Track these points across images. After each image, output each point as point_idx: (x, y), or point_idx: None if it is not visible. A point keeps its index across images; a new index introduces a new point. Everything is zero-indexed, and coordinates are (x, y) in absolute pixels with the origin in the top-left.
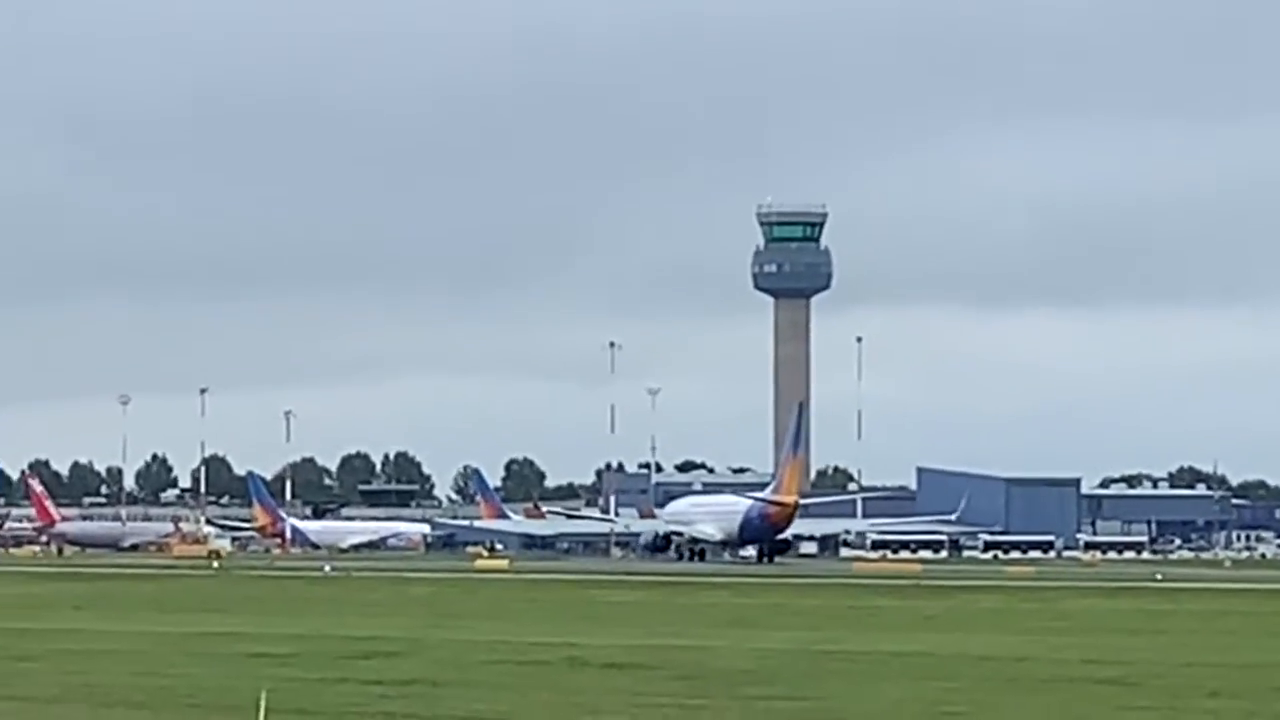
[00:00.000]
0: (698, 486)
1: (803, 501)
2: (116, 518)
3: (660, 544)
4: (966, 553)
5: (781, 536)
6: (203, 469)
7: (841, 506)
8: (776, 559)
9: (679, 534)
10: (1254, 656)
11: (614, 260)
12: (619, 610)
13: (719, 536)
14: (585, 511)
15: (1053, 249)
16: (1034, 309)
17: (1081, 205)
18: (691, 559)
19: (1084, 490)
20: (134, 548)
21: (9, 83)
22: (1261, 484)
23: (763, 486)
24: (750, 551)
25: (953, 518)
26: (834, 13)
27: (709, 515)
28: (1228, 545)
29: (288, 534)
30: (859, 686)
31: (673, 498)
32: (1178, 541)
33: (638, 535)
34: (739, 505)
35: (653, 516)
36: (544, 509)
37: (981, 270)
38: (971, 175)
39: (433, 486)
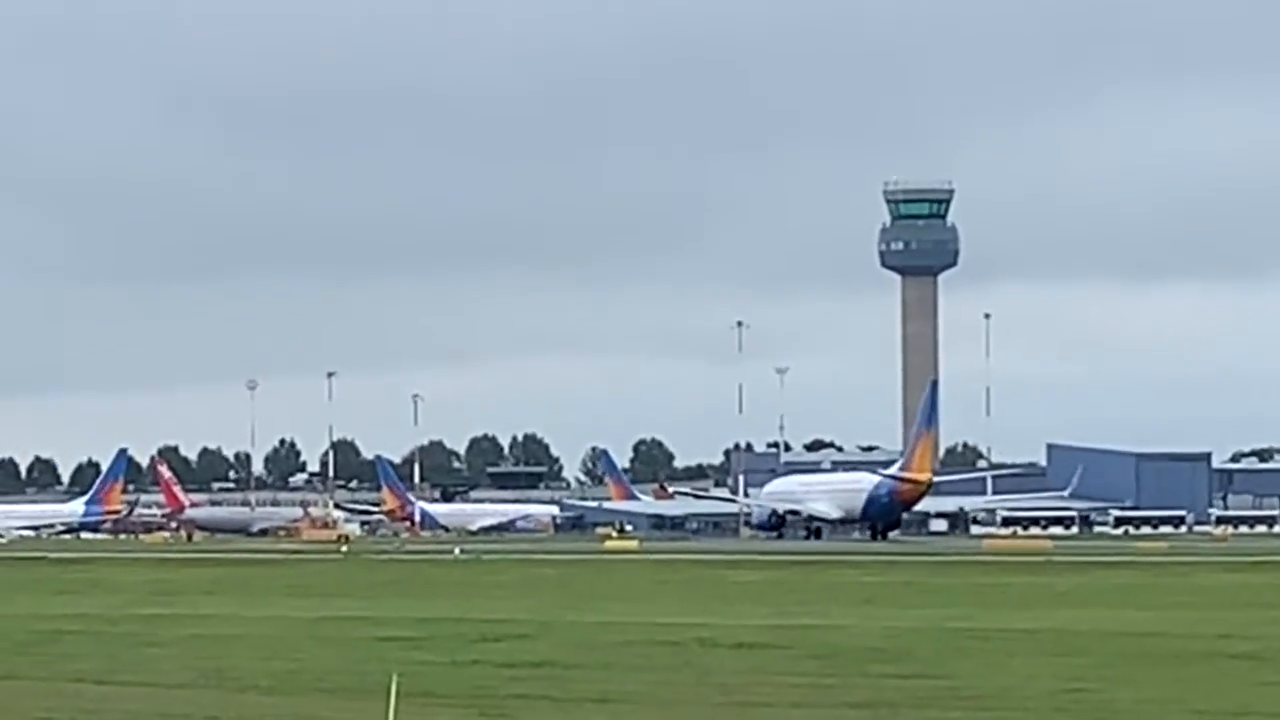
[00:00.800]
0: (827, 465)
1: (936, 479)
2: (245, 503)
3: (775, 522)
4: (1098, 528)
5: (893, 515)
6: (331, 453)
7: (971, 484)
8: (890, 535)
9: (795, 512)
10: None
11: (740, 239)
12: (748, 590)
13: (836, 514)
14: (714, 492)
15: (1180, 222)
16: (1162, 284)
17: (1211, 175)
18: (808, 538)
19: (1215, 464)
20: (263, 533)
21: (137, 61)
22: None
23: (891, 464)
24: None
25: (1066, 493)
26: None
27: (825, 493)
28: None
29: (417, 517)
30: (990, 663)
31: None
32: None
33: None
34: (862, 482)
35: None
36: (672, 489)
37: (1106, 245)
38: (1100, 148)
39: (561, 468)
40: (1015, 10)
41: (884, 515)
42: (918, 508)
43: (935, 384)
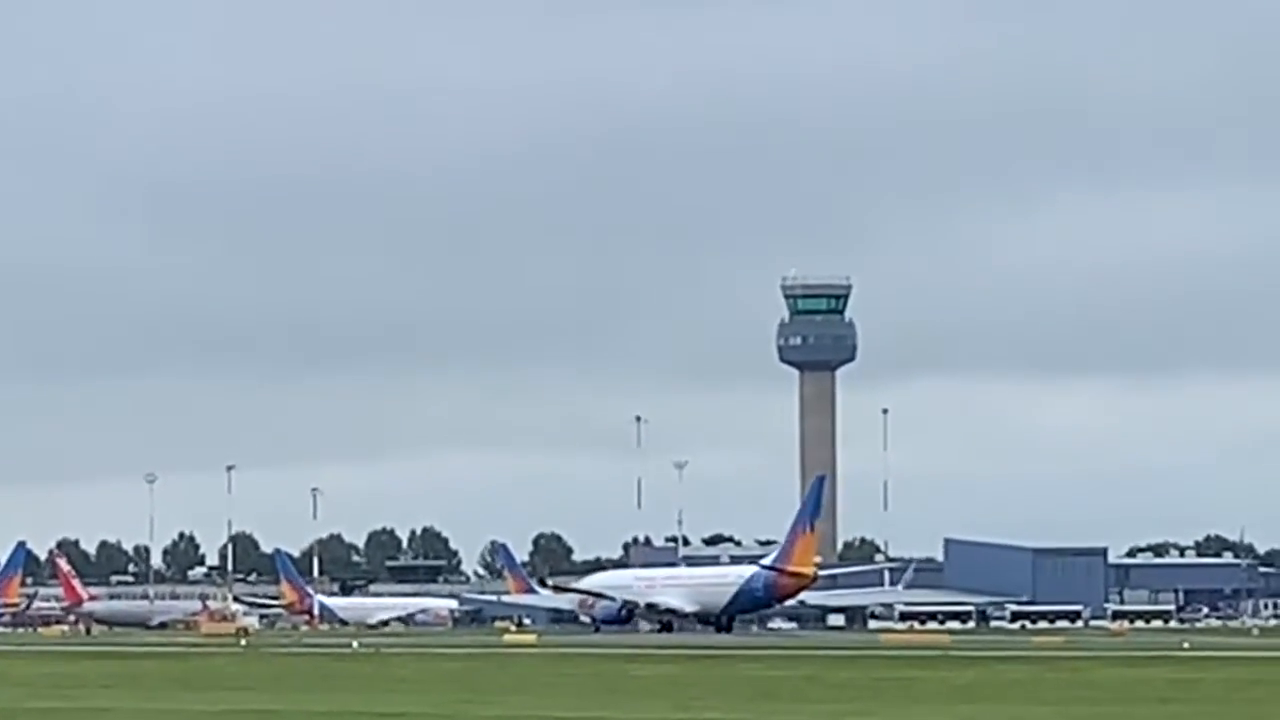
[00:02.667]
0: (725, 559)
1: (833, 573)
2: (144, 596)
3: (624, 616)
4: (995, 623)
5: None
6: (230, 546)
7: (868, 578)
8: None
9: (652, 605)
10: None
11: (640, 333)
12: (649, 684)
13: (692, 609)
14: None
15: (1077, 320)
16: (1061, 380)
17: (1107, 274)
18: (660, 631)
19: (1111, 559)
20: (162, 626)
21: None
22: None
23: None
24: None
25: (900, 587)
26: (857, 84)
27: (680, 587)
28: (1255, 613)
29: (316, 610)
30: None
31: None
32: (1205, 610)
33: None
34: (728, 576)
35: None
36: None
37: (1004, 343)
38: (1000, 246)
39: (460, 562)
40: (917, 107)
41: (756, 608)
42: (815, 602)
43: (821, 479)
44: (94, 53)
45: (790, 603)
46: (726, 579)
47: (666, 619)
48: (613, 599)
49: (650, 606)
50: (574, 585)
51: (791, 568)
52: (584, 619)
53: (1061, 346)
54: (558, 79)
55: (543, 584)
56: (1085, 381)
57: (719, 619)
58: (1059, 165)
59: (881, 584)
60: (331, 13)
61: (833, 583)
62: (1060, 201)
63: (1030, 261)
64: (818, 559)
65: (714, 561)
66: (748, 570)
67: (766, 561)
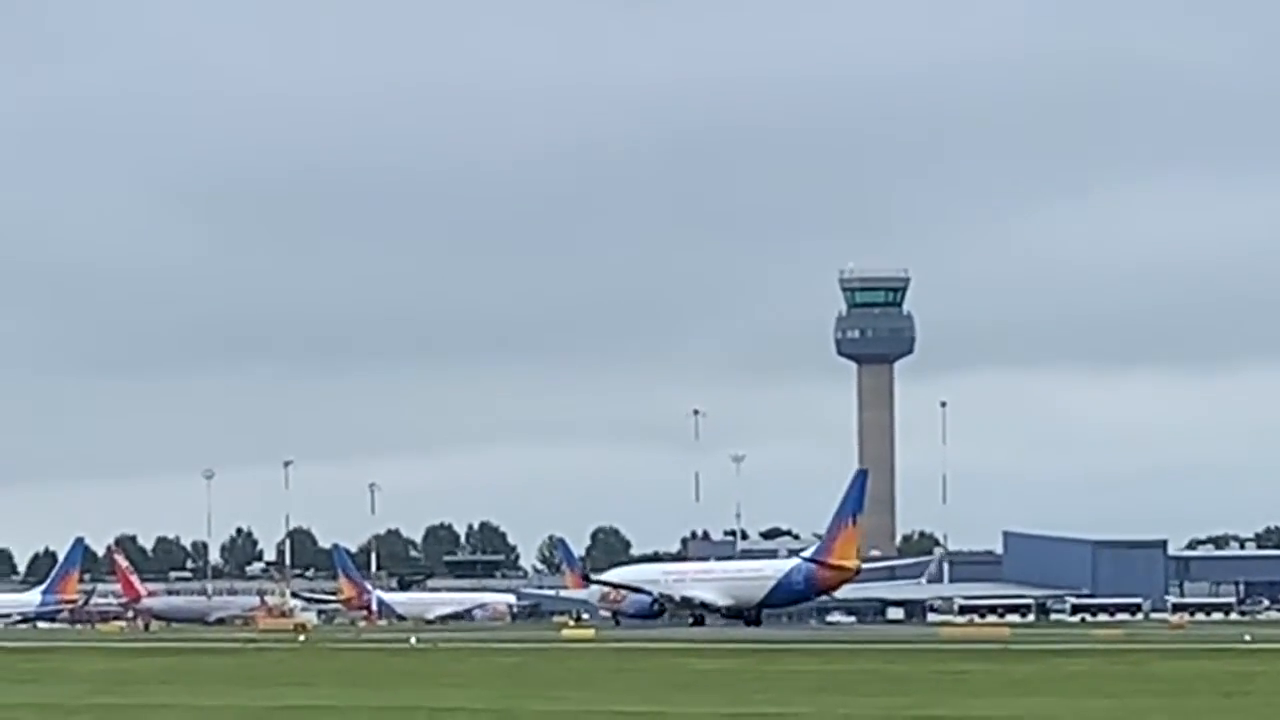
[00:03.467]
0: (783, 553)
1: (891, 565)
2: (202, 592)
3: (655, 611)
4: (1054, 616)
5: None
6: (288, 542)
7: (910, 571)
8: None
9: (688, 599)
10: None
11: (698, 327)
12: (705, 678)
13: (725, 602)
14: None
15: (1140, 312)
16: (1121, 372)
17: (1167, 266)
18: (693, 625)
19: (1171, 552)
20: (220, 622)
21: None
22: None
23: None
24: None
25: (923, 580)
26: (913, 79)
27: (712, 581)
28: None
29: (374, 606)
30: None
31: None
32: (1266, 602)
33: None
34: (765, 570)
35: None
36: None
37: (1064, 334)
38: (1061, 237)
39: (518, 557)
40: (977, 98)
41: (795, 602)
42: (874, 595)
43: (863, 473)
44: (152, 54)
45: (851, 597)
46: (763, 572)
47: (699, 613)
48: (649, 593)
49: (684, 600)
50: (604, 579)
51: (833, 561)
52: (604, 613)
53: (1121, 338)
54: (619, 76)
55: (586, 579)
56: (1145, 373)
57: (747, 613)
58: (1115, 157)
59: (941, 578)
60: (387, 9)
61: (891, 575)
62: (1117, 193)
63: (1088, 253)
64: (876, 551)
65: (772, 555)
66: (786, 564)
67: (811, 555)
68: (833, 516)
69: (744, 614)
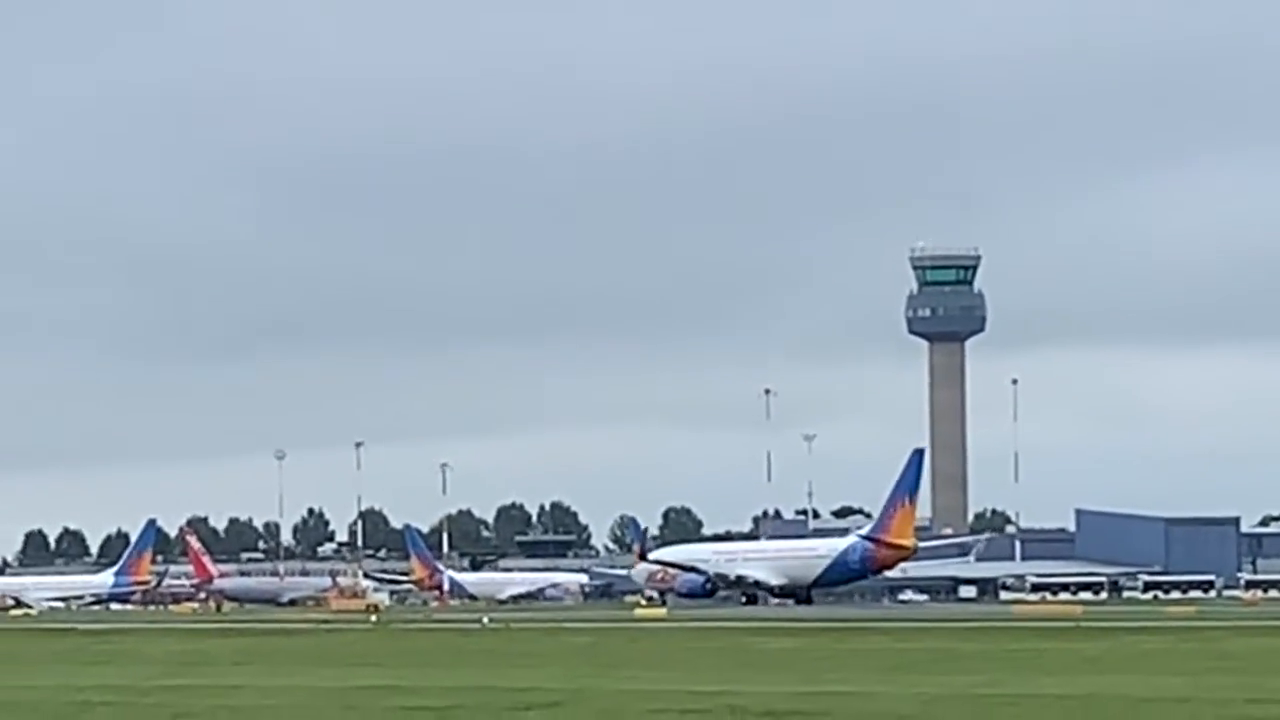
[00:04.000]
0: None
1: (961, 542)
2: (274, 573)
3: (708, 590)
4: (1126, 594)
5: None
6: (359, 523)
7: (1000, 549)
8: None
9: (741, 578)
10: None
11: (768, 306)
12: (779, 657)
13: (779, 581)
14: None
15: (1211, 289)
16: (1193, 350)
17: (1244, 243)
18: (746, 604)
19: (1244, 529)
20: (292, 602)
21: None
22: None
23: (921, 530)
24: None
25: (971, 558)
26: (984, 56)
27: (765, 561)
28: None
29: (445, 586)
30: None
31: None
32: None
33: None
34: (819, 549)
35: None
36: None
37: (1136, 311)
38: (1132, 213)
39: (589, 536)
40: (1047, 77)
41: (851, 580)
42: (946, 573)
43: (920, 452)
44: (234, 35)
45: (923, 575)
46: (817, 551)
47: (752, 592)
48: (703, 572)
49: (738, 579)
50: (660, 558)
51: (890, 539)
52: (649, 594)
53: (1193, 315)
54: (688, 59)
55: (644, 557)
56: (1218, 350)
57: (799, 592)
58: (1186, 135)
59: (1011, 555)
60: None
61: (961, 553)
62: (1189, 172)
63: (1160, 231)
64: (948, 530)
65: (844, 534)
66: (841, 543)
67: (868, 533)
68: (889, 495)
69: (795, 593)
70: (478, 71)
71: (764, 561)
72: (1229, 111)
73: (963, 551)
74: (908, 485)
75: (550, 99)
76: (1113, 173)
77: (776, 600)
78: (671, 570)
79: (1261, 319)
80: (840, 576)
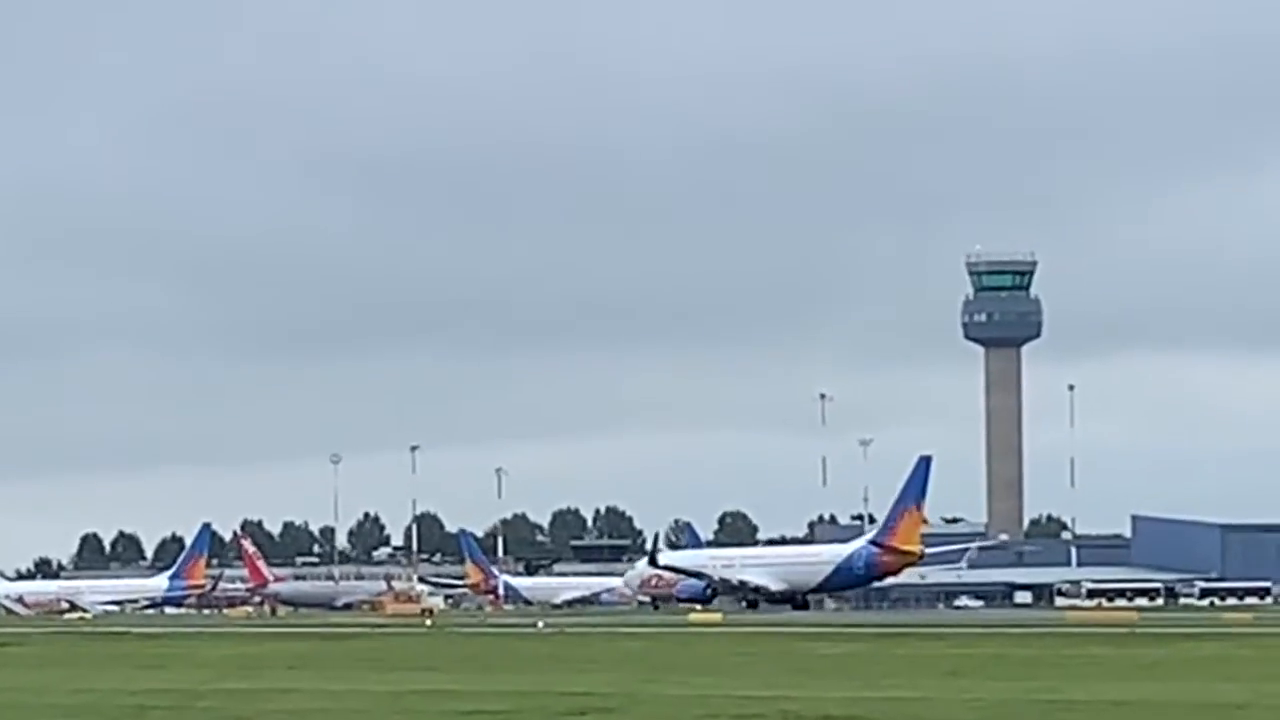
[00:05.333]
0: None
1: (1020, 549)
2: (329, 577)
3: (709, 595)
4: (1183, 600)
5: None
6: (414, 527)
7: (1055, 555)
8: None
9: (742, 582)
10: None
11: (826, 312)
12: (833, 662)
13: (780, 587)
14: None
15: (1255, 295)
16: (1244, 354)
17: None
18: (747, 609)
19: None
20: (347, 607)
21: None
22: None
23: (974, 537)
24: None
25: (963, 565)
26: (1041, 60)
27: (761, 565)
28: None
29: (500, 591)
30: None
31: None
32: None
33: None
34: (822, 554)
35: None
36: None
37: (1191, 316)
38: (1186, 219)
39: (644, 541)
40: (1104, 83)
41: (856, 585)
42: (1001, 578)
43: (926, 459)
44: (297, 32)
45: (980, 581)
46: (820, 557)
47: (753, 597)
48: (705, 577)
49: (741, 584)
50: (662, 564)
51: (896, 544)
52: (642, 599)
53: (1249, 321)
54: (745, 65)
55: (653, 562)
56: (1269, 356)
57: (798, 598)
58: (1246, 139)
59: (1068, 561)
60: None
61: (1019, 559)
62: (1244, 178)
63: (1212, 237)
64: (1004, 536)
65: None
66: (845, 548)
67: (873, 537)
68: (895, 501)
69: (793, 599)
70: (544, 71)
71: (765, 567)
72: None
73: (954, 560)
74: (915, 491)
75: (613, 102)
76: (1170, 177)
77: (774, 606)
78: (668, 576)
79: None
80: (845, 582)
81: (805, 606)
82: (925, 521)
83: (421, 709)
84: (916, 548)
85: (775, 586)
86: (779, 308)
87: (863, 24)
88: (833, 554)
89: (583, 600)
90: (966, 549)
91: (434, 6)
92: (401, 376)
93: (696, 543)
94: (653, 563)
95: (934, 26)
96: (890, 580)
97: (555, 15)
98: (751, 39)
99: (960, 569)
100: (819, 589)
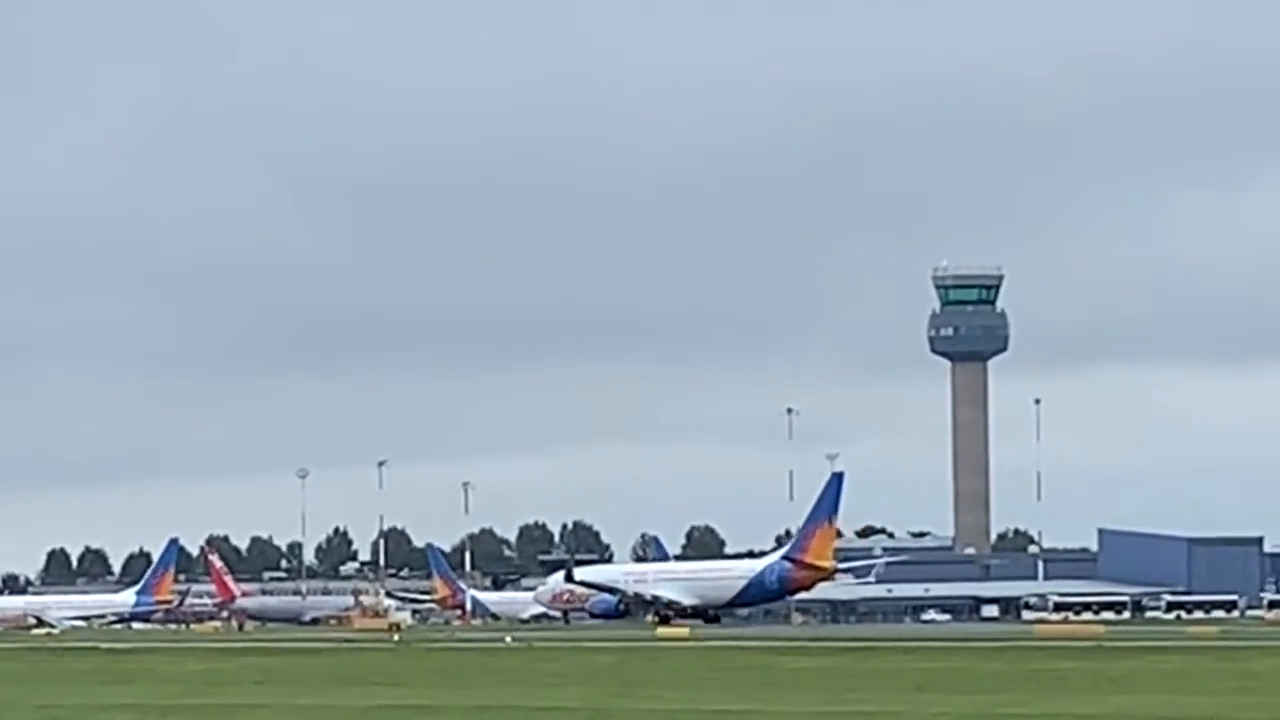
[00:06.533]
0: (878, 551)
1: (986, 564)
2: (296, 592)
3: (621, 611)
4: (1149, 613)
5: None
6: (382, 542)
7: (1022, 568)
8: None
9: (655, 597)
10: None
11: (792, 326)
12: (801, 677)
13: (692, 601)
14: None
15: (1220, 309)
16: (1209, 369)
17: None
18: (661, 624)
19: (1267, 548)
20: (314, 621)
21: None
22: None
23: (944, 550)
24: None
25: (872, 579)
26: (1007, 72)
27: (678, 581)
28: None
29: (468, 605)
30: None
31: (851, 563)
32: None
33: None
34: (734, 570)
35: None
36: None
37: (1157, 330)
38: (1152, 234)
39: (612, 555)
40: (1070, 97)
41: (768, 600)
42: (968, 592)
43: (839, 476)
44: (274, 48)
45: (948, 595)
46: (732, 572)
47: (666, 613)
48: (623, 591)
49: (654, 599)
50: (576, 579)
51: (809, 559)
52: (553, 612)
53: (1215, 335)
54: (714, 79)
55: (569, 577)
56: (1240, 369)
57: (710, 612)
58: (1213, 155)
59: (1034, 575)
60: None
61: (986, 574)
62: (1207, 192)
63: (1178, 250)
64: (970, 550)
65: (867, 553)
66: (758, 564)
67: (786, 553)
68: (807, 516)
69: (705, 613)
70: (506, 87)
71: (677, 582)
72: (1259, 129)
73: (861, 574)
74: (827, 507)
75: (577, 118)
76: (1136, 192)
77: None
78: (579, 591)
79: (1276, 339)
80: (758, 596)
81: (717, 621)
82: (839, 535)
83: None
84: (829, 563)
85: (688, 601)
86: (746, 322)
87: (828, 39)
88: (745, 569)
89: (550, 615)
90: (874, 564)
91: (413, 22)
92: (368, 392)
93: (664, 556)
94: (569, 578)
95: (899, 41)
96: (860, 594)
97: (533, 31)
98: (719, 55)
99: (869, 583)
100: (732, 604)
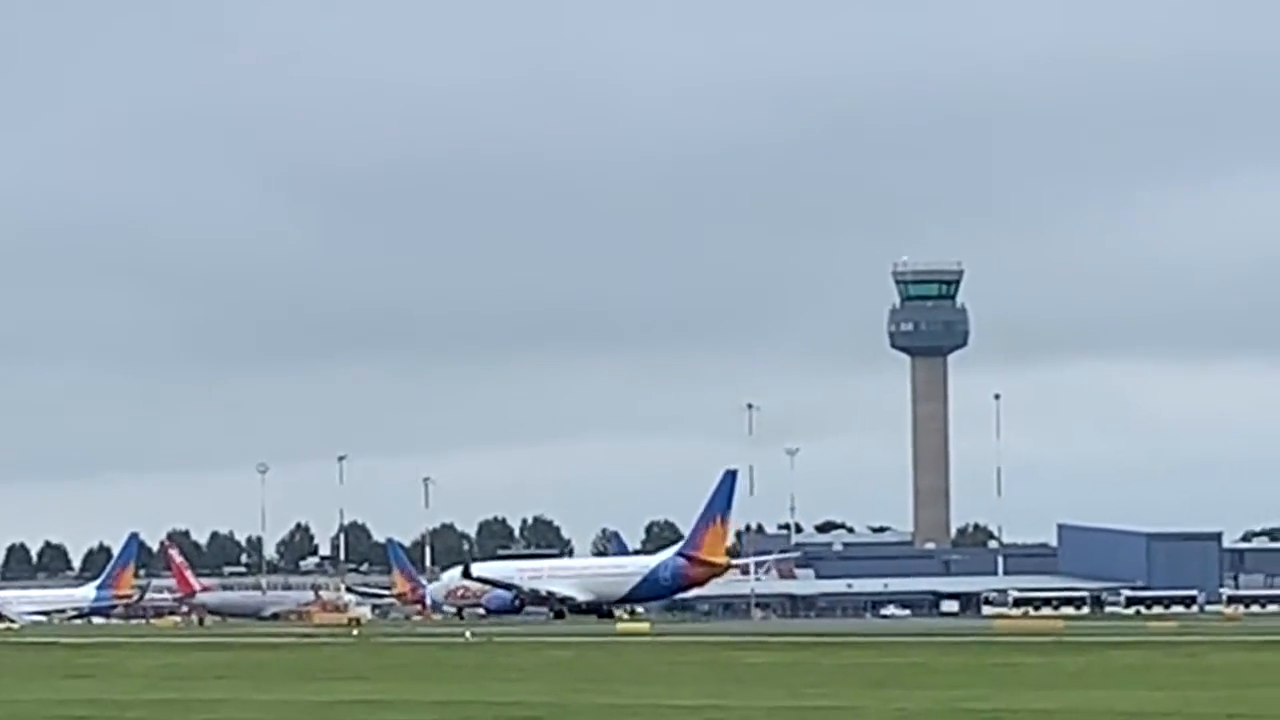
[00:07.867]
0: (838, 546)
1: (946, 559)
2: (257, 586)
3: (516, 606)
4: (1109, 609)
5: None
6: (342, 536)
7: (982, 564)
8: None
9: (550, 593)
10: None
11: (752, 321)
12: (761, 672)
13: (586, 597)
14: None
15: (1179, 304)
16: (1170, 364)
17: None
18: (556, 619)
19: (1226, 544)
20: (275, 616)
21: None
22: None
23: (904, 544)
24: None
25: (760, 575)
26: (970, 69)
27: (569, 576)
28: None
29: (428, 600)
30: None
31: (812, 558)
32: None
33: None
34: (628, 566)
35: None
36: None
37: (1117, 325)
38: (1111, 229)
39: (572, 551)
40: (1027, 93)
41: (662, 596)
42: (928, 587)
43: (732, 473)
44: (265, 45)
45: (908, 590)
46: (625, 569)
47: (560, 608)
48: (519, 587)
49: (549, 595)
50: (473, 575)
51: (702, 556)
52: (448, 608)
53: (1176, 330)
54: (671, 78)
55: (466, 574)
56: (1199, 365)
57: (603, 607)
58: (1176, 150)
59: (994, 570)
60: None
61: (945, 569)
62: (1168, 188)
63: (1136, 247)
64: (930, 545)
65: (827, 549)
66: (652, 560)
67: (681, 549)
68: (700, 514)
69: (598, 609)
70: (478, 81)
71: (571, 578)
72: (1224, 126)
73: (749, 570)
74: (720, 504)
75: (547, 112)
76: (1097, 186)
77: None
78: (474, 587)
79: (1245, 334)
80: (652, 592)
81: (610, 616)
82: (729, 533)
83: (351, 719)
84: (722, 559)
85: (582, 597)
86: (706, 318)
87: (791, 38)
88: (639, 565)
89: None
90: (765, 560)
91: (403, 19)
92: (328, 387)
93: (623, 551)
94: (466, 574)
95: (861, 40)
96: (820, 589)
97: (520, 28)
98: (684, 54)
99: (760, 579)
100: (625, 599)
